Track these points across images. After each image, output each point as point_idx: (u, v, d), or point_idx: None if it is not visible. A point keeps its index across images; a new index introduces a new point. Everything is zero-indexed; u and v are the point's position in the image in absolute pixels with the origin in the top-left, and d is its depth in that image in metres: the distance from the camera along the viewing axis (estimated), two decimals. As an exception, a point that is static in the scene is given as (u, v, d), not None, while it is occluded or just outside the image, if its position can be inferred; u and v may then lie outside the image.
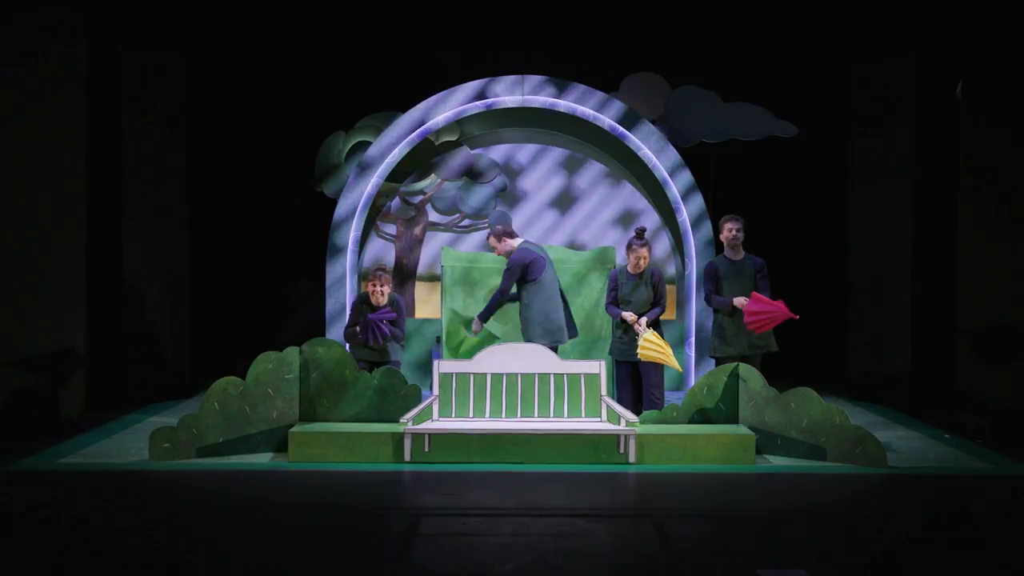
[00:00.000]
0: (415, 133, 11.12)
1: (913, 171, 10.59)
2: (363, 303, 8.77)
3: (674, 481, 7.34)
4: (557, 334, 8.77)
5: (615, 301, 8.72)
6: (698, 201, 10.98)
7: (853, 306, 11.26)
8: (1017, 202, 9.00)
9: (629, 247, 8.69)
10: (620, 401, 8.65)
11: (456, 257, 10.19)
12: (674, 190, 10.99)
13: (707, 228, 10.98)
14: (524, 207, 11.83)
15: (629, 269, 8.72)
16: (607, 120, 11.02)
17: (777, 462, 7.86)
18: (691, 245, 10.99)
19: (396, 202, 11.78)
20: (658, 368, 8.65)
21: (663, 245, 11.77)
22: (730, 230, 8.73)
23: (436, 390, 8.11)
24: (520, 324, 8.99)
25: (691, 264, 11.03)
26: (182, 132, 11.16)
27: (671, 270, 11.68)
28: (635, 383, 8.69)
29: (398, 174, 11.57)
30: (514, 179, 11.84)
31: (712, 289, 8.75)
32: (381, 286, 8.68)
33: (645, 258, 8.68)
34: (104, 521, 6.21)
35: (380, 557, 5.50)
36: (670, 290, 11.60)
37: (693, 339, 10.96)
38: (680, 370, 8.79)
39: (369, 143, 11.40)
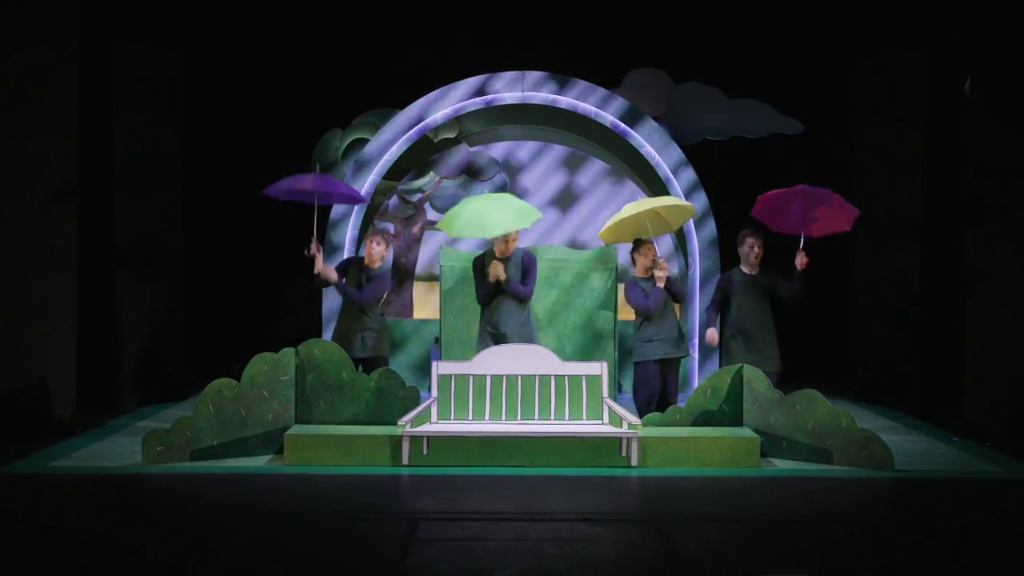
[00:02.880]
0: (413, 130, 11.03)
1: (920, 169, 10.51)
2: (352, 264, 8.65)
3: (677, 485, 7.28)
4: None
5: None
6: (701, 199, 10.87)
7: (860, 307, 11.18)
8: (1026, 200, 8.92)
9: (640, 246, 8.60)
10: (640, 402, 8.52)
11: (455, 257, 10.09)
12: (677, 188, 10.89)
13: (711, 227, 10.88)
14: (524, 205, 11.72)
15: (638, 274, 8.63)
16: (609, 117, 10.91)
17: (782, 465, 7.79)
18: (694, 244, 10.89)
19: (394, 200, 11.69)
20: (677, 373, 8.58)
21: (666, 244, 11.67)
22: (751, 246, 8.68)
23: (435, 392, 8.03)
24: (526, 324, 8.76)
25: (694, 263, 10.92)
26: (176, 129, 11.07)
27: (674, 269, 11.57)
28: (658, 383, 8.55)
29: (396, 172, 11.48)
30: (514, 177, 11.76)
31: (716, 300, 8.77)
32: (377, 244, 8.54)
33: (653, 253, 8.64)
34: (97, 525, 6.14)
35: (378, 562, 5.44)
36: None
37: (696, 340, 10.84)
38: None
39: (366, 140, 11.31)
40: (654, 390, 8.50)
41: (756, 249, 8.65)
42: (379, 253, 8.56)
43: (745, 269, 8.72)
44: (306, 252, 8.51)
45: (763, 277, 8.67)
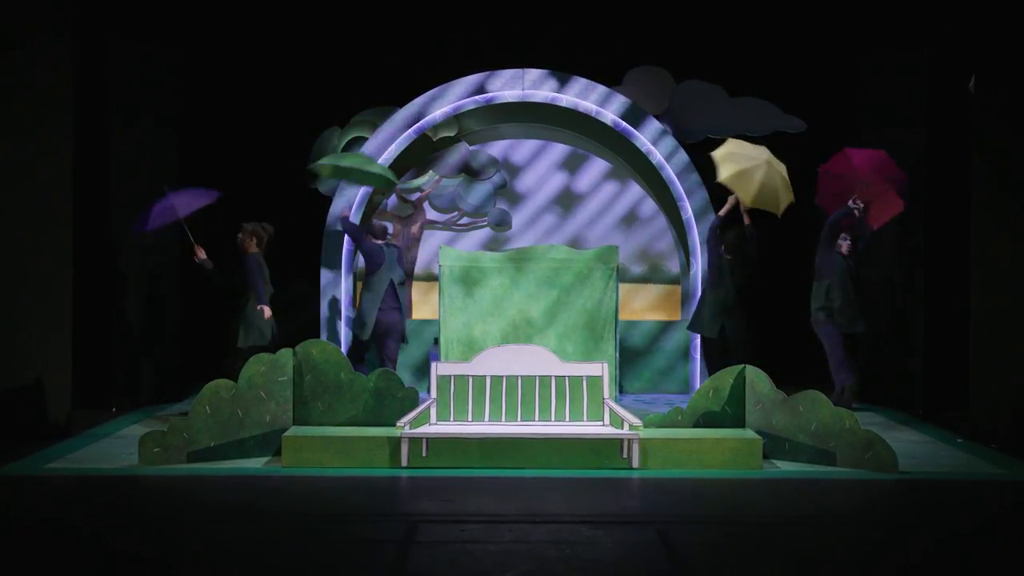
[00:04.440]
0: (412, 129, 10.98)
1: (924, 168, 10.46)
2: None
3: (678, 486, 7.25)
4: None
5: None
6: (702, 196, 10.82)
7: (863, 306, 11.08)
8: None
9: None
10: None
11: (454, 256, 10.03)
12: (678, 186, 10.84)
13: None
14: (525, 204, 11.68)
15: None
16: (610, 115, 10.85)
17: (785, 467, 7.75)
18: (695, 241, 10.84)
19: (393, 200, 11.63)
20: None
21: (666, 242, 11.60)
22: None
23: (434, 393, 7.99)
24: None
25: (695, 262, 10.86)
26: (173, 127, 11.01)
27: (675, 268, 11.53)
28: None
29: (395, 171, 11.39)
30: (514, 176, 11.69)
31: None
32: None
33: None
34: (93, 527, 6.12)
35: (376, 565, 5.42)
36: (672, 290, 11.49)
37: (699, 341, 10.76)
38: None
39: (365, 139, 11.25)
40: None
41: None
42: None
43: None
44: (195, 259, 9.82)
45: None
